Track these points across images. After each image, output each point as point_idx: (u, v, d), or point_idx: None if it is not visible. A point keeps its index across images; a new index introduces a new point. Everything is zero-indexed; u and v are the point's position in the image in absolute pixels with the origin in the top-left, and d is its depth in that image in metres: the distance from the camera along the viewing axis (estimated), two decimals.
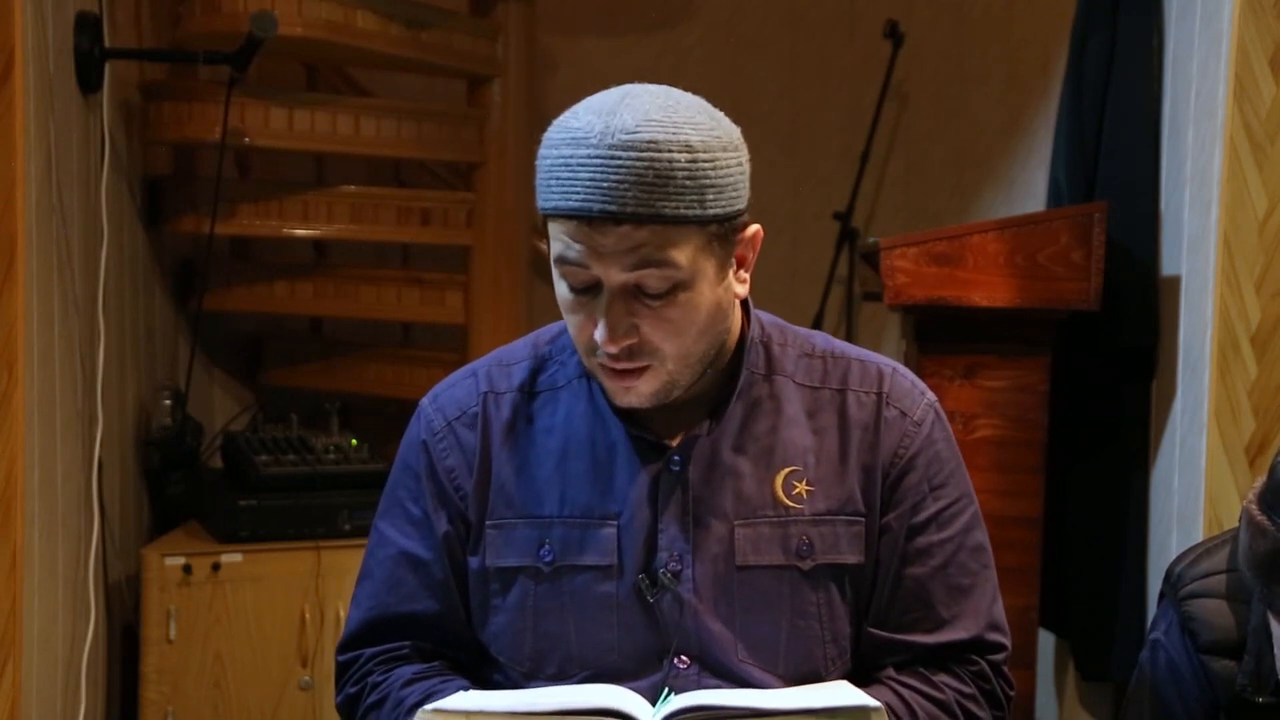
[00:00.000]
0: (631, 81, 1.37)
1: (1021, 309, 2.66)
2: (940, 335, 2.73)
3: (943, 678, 1.44)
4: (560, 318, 1.41)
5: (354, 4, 3.24)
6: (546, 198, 1.31)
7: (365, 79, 3.81)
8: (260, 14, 2.88)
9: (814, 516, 1.43)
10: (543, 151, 1.32)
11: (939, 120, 4.21)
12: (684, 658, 1.41)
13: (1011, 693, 1.49)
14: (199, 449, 3.49)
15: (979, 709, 1.44)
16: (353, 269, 3.68)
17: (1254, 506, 1.36)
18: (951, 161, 4.15)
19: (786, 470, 1.44)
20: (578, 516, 1.43)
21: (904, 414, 1.47)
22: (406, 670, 1.45)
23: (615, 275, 1.30)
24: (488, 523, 1.46)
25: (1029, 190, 3.59)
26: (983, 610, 1.46)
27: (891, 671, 1.45)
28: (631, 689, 1.34)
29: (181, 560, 3.00)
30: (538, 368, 1.50)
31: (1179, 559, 1.60)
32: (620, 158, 1.26)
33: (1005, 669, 1.48)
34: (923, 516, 1.45)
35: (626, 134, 1.26)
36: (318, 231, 3.49)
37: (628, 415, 1.43)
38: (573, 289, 1.34)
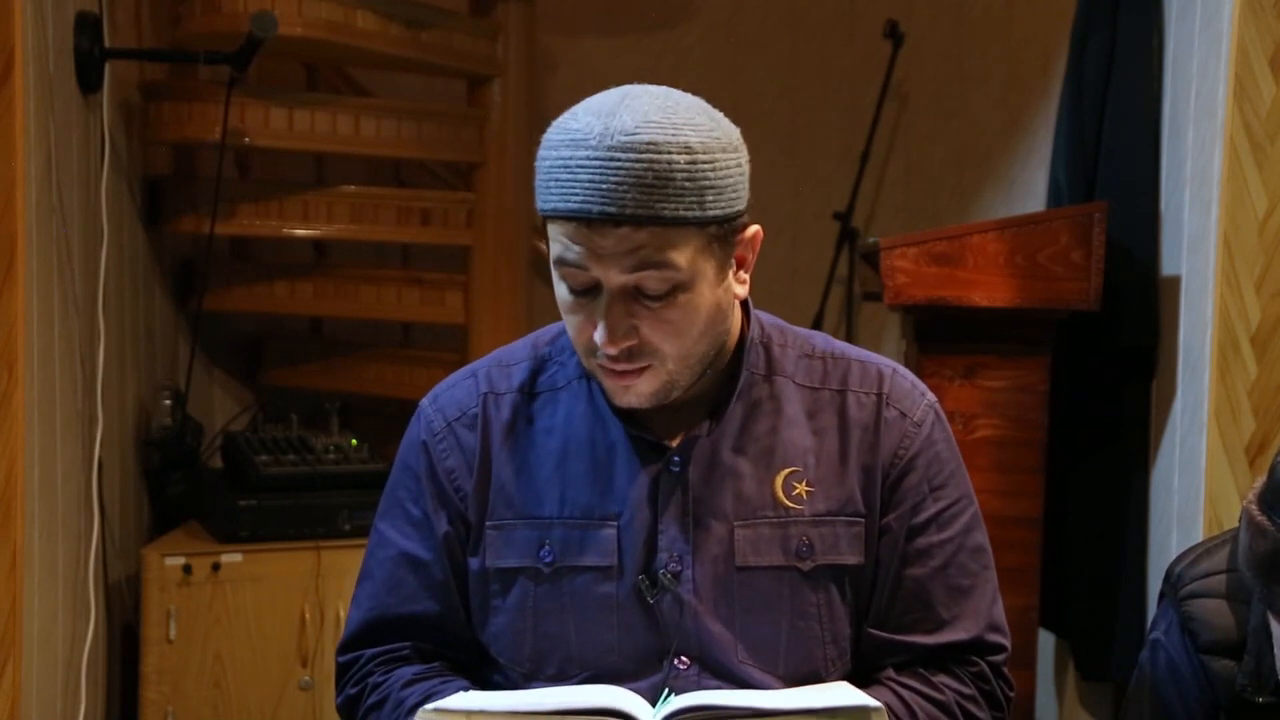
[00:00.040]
0: (631, 81, 1.37)
1: (1021, 309, 2.66)
2: (940, 335, 2.73)
3: (942, 678, 1.44)
4: (560, 318, 1.41)
5: (354, 4, 3.24)
6: (546, 199, 1.31)
7: (365, 79, 3.81)
8: (260, 14, 2.88)
9: (814, 517, 1.43)
10: (542, 153, 1.32)
11: (939, 120, 4.21)
12: (684, 658, 1.41)
13: (1011, 693, 1.49)
14: (199, 449, 3.49)
15: (979, 710, 1.44)
16: (353, 269, 3.68)
17: (1254, 506, 1.36)
18: (951, 161, 4.15)
19: (786, 471, 1.44)
20: (578, 517, 1.43)
21: (904, 415, 1.47)
22: (407, 671, 1.45)
23: (615, 277, 1.30)
24: (488, 523, 1.45)
25: (1029, 190, 3.59)
26: (983, 611, 1.46)
27: (891, 672, 1.45)
28: (631, 690, 1.34)
29: (181, 560, 3.00)
30: (537, 368, 1.50)
31: (1179, 559, 1.60)
32: (619, 159, 1.26)
33: (1005, 670, 1.48)
34: (923, 517, 1.45)
35: (626, 135, 1.26)
36: (318, 231, 3.49)
37: (627, 416, 1.43)
38: (572, 290, 1.34)
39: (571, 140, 1.29)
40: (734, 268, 1.38)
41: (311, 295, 3.61)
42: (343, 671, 1.50)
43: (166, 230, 3.47)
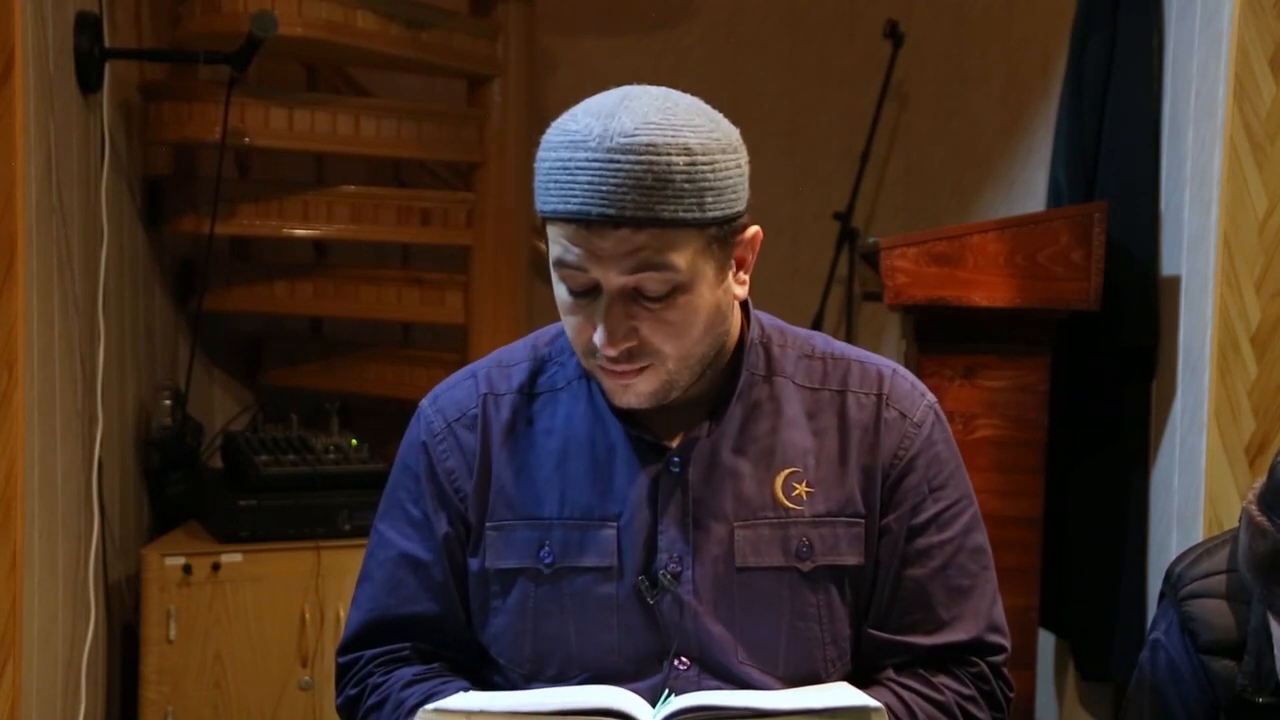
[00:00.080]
0: (631, 81, 1.37)
1: (1021, 309, 2.66)
2: (940, 335, 2.73)
3: (942, 679, 1.44)
4: (560, 318, 1.41)
5: (354, 4, 3.24)
6: (545, 201, 1.31)
7: (365, 79, 3.81)
8: (260, 14, 2.88)
9: (814, 518, 1.43)
10: (541, 154, 1.32)
11: (939, 120, 4.21)
12: (684, 659, 1.41)
13: (1011, 694, 1.49)
14: (199, 449, 3.50)
15: (978, 710, 1.44)
16: (353, 269, 3.68)
17: (1254, 507, 1.36)
18: (951, 161, 4.15)
19: (786, 472, 1.44)
20: (577, 518, 1.43)
21: (904, 415, 1.47)
22: (407, 672, 1.45)
23: (614, 278, 1.30)
24: (487, 524, 1.45)
25: (1029, 190, 3.59)
26: (982, 612, 1.46)
27: (891, 673, 1.45)
28: (631, 690, 1.34)
29: (181, 560, 3.00)
30: (537, 369, 1.50)
31: (1179, 559, 1.60)
32: (619, 161, 1.26)
33: (1005, 670, 1.48)
34: (922, 518, 1.45)
35: (625, 137, 1.26)
36: (318, 231, 3.49)
37: (627, 416, 1.43)
38: (572, 292, 1.34)
39: (571, 142, 1.29)
40: (734, 268, 1.38)
41: (311, 295, 3.61)
42: (343, 672, 1.50)
43: (166, 230, 3.47)
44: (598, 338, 1.33)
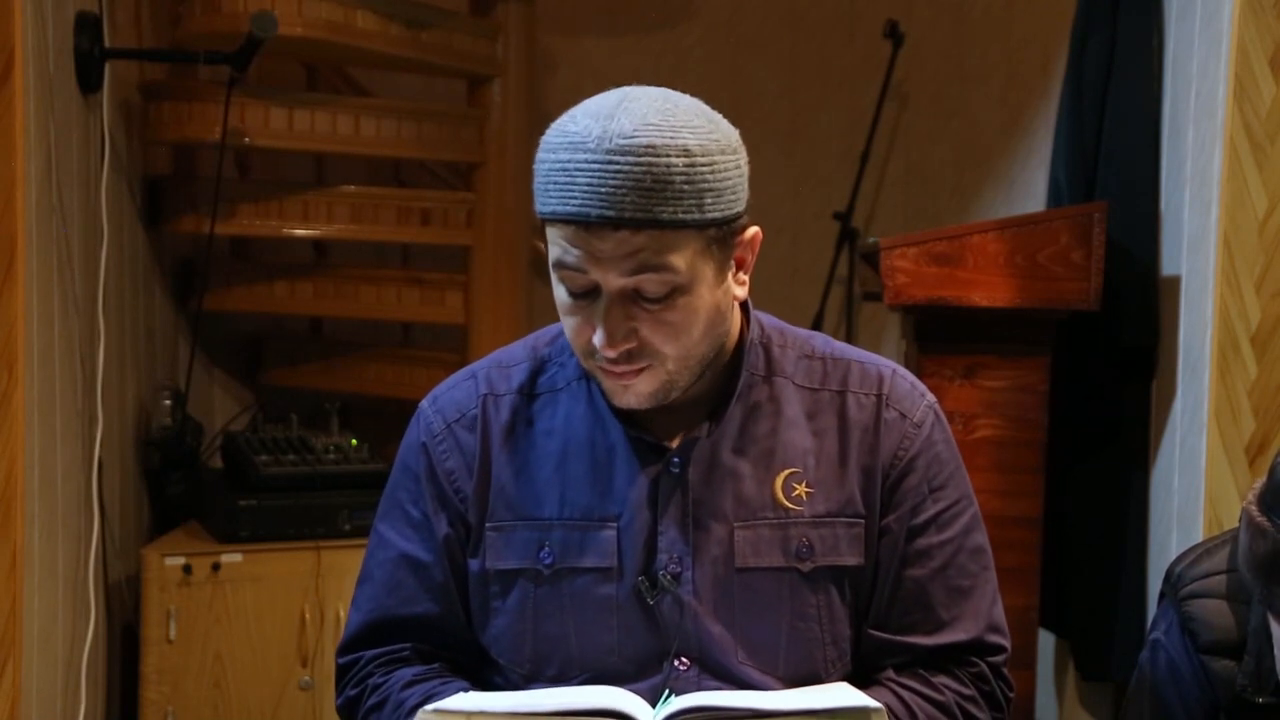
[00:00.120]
0: (631, 82, 1.37)
1: (1021, 309, 2.66)
2: (940, 335, 2.73)
3: (942, 679, 1.44)
4: (559, 319, 1.41)
5: (354, 4, 3.24)
6: (544, 202, 1.31)
7: (365, 79, 3.81)
8: (260, 14, 2.88)
9: (814, 518, 1.43)
10: (540, 155, 1.32)
11: (939, 120, 4.21)
12: (684, 660, 1.41)
13: (1011, 694, 1.49)
14: (199, 449, 3.50)
15: (979, 710, 1.44)
16: (353, 269, 3.68)
17: (1254, 507, 1.36)
18: (951, 161, 4.15)
19: (786, 472, 1.44)
20: (577, 519, 1.43)
21: (904, 415, 1.47)
22: (407, 672, 1.45)
23: (613, 280, 1.30)
24: (487, 525, 1.45)
25: (1029, 190, 3.59)
26: (982, 612, 1.46)
27: (891, 673, 1.45)
28: (631, 691, 1.34)
29: (181, 560, 3.00)
30: (537, 370, 1.50)
31: (1179, 559, 1.60)
32: (618, 163, 1.26)
33: (1005, 670, 1.48)
34: (922, 518, 1.45)
35: (624, 139, 1.26)
36: (318, 231, 3.49)
37: (627, 417, 1.43)
38: (571, 293, 1.34)
39: (570, 143, 1.28)
40: (733, 269, 1.38)
41: (311, 295, 3.61)
42: (343, 673, 1.50)
43: (166, 230, 3.47)
44: (597, 339, 1.33)
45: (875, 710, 1.25)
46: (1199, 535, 2.48)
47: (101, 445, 2.76)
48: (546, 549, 1.43)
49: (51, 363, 2.50)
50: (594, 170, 1.26)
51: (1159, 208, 2.79)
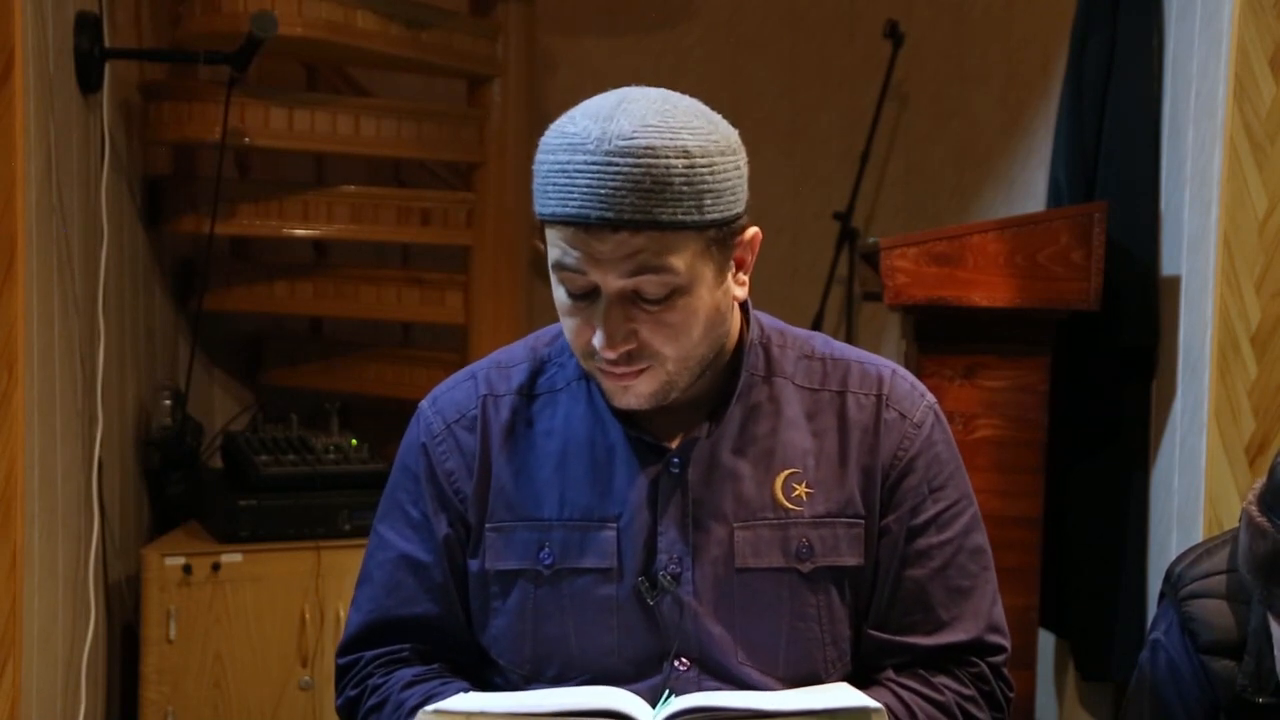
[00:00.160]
0: (631, 82, 1.37)
1: (1021, 309, 2.66)
2: (940, 335, 2.73)
3: (942, 679, 1.44)
4: (559, 319, 1.41)
5: (354, 4, 3.24)
6: (544, 204, 1.31)
7: (365, 79, 3.81)
8: (260, 14, 2.88)
9: (814, 519, 1.43)
10: (540, 157, 1.32)
11: (939, 120, 4.21)
12: (684, 660, 1.41)
13: (1011, 694, 1.49)
14: (199, 449, 3.50)
15: (978, 710, 1.44)
16: (353, 269, 3.68)
17: (1254, 508, 1.36)
18: (951, 161, 4.15)
19: (786, 472, 1.44)
20: (577, 519, 1.43)
21: (903, 416, 1.47)
22: (407, 673, 1.45)
23: (613, 281, 1.30)
24: (487, 525, 1.45)
25: (1029, 190, 3.59)
26: (982, 612, 1.46)
27: (891, 673, 1.45)
28: (631, 691, 1.34)
29: (181, 560, 3.00)
30: (537, 370, 1.50)
31: (1179, 559, 1.60)
32: (617, 164, 1.25)
33: (1005, 671, 1.48)
34: (922, 518, 1.45)
35: (623, 140, 1.26)
36: (318, 231, 3.49)
37: (627, 417, 1.43)
38: (570, 294, 1.34)
39: (569, 144, 1.28)
40: (733, 269, 1.38)
41: (311, 295, 3.61)
42: (342, 673, 1.50)
43: (166, 230, 3.47)
44: (597, 340, 1.33)
45: (875, 710, 1.25)
46: (1199, 535, 2.48)
47: (101, 445, 2.76)
48: (546, 549, 1.43)
49: (51, 363, 2.50)
50: (593, 172, 1.26)
51: (1159, 208, 2.79)
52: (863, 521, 1.44)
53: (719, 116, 1.35)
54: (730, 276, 1.38)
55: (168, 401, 3.40)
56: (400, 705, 1.41)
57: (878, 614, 1.45)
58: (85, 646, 2.69)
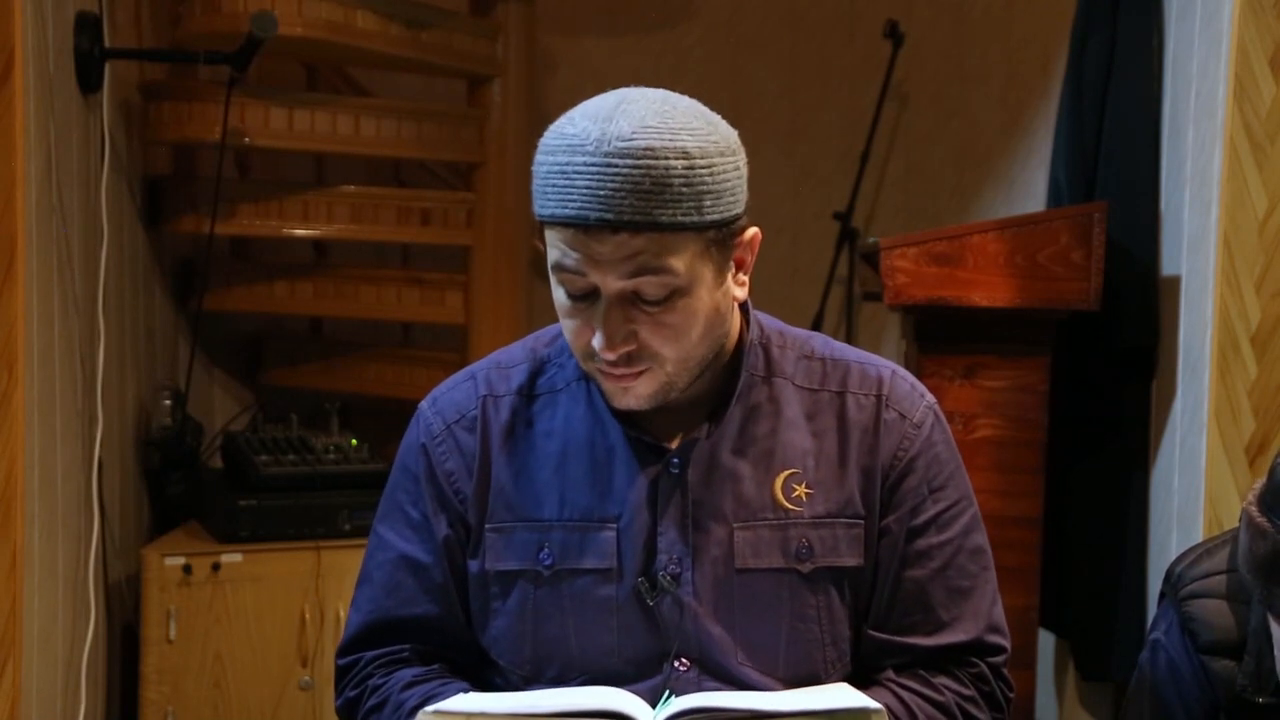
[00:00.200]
0: (631, 82, 1.37)
1: (1021, 309, 2.66)
2: (940, 335, 2.73)
3: (942, 680, 1.44)
4: (559, 320, 1.41)
5: (354, 4, 3.24)
6: (543, 205, 1.31)
7: (365, 79, 3.81)
8: (260, 14, 2.88)
9: (813, 519, 1.43)
10: (539, 158, 1.32)
11: (939, 120, 4.21)
12: (684, 661, 1.41)
13: (1011, 695, 1.49)
14: (199, 449, 3.50)
15: (979, 711, 1.44)
16: (353, 269, 3.68)
17: (1254, 508, 1.36)
18: (951, 161, 4.15)
19: (786, 473, 1.44)
20: (577, 520, 1.43)
21: (903, 416, 1.47)
22: (406, 673, 1.45)
23: (612, 283, 1.30)
24: (487, 526, 1.45)
25: (1029, 190, 3.59)
26: (982, 612, 1.46)
27: (891, 674, 1.45)
28: (631, 692, 1.34)
29: (181, 560, 3.00)
30: (536, 370, 1.50)
31: (1179, 559, 1.61)
32: (616, 165, 1.25)
33: (1005, 671, 1.48)
34: (922, 519, 1.45)
35: (623, 141, 1.26)
36: (318, 231, 3.49)
37: (626, 418, 1.43)
38: (570, 295, 1.34)
39: (568, 146, 1.28)
40: (733, 270, 1.38)
41: (311, 295, 3.61)
42: (342, 674, 1.50)
43: (166, 230, 3.47)
44: (596, 341, 1.33)
45: (875, 711, 1.25)
46: (1199, 535, 2.48)
47: (101, 445, 2.76)
48: (546, 550, 1.43)
49: (51, 363, 2.50)
50: (592, 173, 1.26)
51: (1159, 208, 2.79)
52: (862, 522, 1.44)
53: (718, 117, 1.35)
54: (730, 277, 1.38)
55: (168, 401, 3.40)
56: (400, 706, 1.41)
57: (877, 614, 1.45)
58: (85, 646, 2.69)
